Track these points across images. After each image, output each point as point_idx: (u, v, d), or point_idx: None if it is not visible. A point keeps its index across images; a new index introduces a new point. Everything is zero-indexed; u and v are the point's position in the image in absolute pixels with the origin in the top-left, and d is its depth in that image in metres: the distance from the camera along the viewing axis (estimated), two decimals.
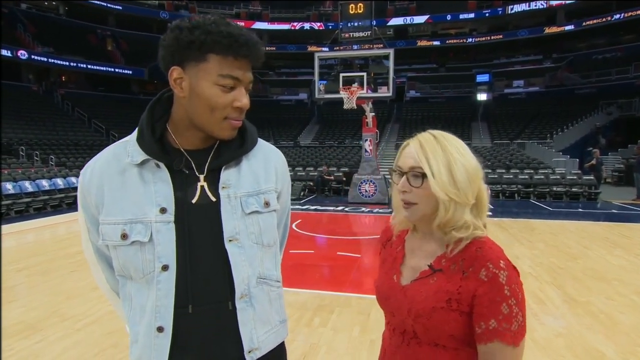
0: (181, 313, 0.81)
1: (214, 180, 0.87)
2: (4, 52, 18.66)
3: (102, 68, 23.10)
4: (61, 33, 22.95)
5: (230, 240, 0.84)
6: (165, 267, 0.80)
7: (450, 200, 0.78)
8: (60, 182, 10.61)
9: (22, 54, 19.48)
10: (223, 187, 0.86)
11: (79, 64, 22.10)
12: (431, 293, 0.79)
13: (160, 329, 0.80)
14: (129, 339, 0.88)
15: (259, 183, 0.90)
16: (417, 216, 0.83)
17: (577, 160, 14.86)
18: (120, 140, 0.89)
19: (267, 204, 0.90)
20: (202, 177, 0.86)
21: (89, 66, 22.51)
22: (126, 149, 0.86)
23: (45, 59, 20.65)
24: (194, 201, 0.84)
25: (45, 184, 10.19)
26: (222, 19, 0.80)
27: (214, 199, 0.85)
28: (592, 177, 11.81)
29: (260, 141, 0.96)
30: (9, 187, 9.22)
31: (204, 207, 0.85)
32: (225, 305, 0.84)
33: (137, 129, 0.87)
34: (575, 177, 12.09)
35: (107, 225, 0.82)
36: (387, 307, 0.89)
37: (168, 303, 0.80)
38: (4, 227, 7.58)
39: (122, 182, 0.84)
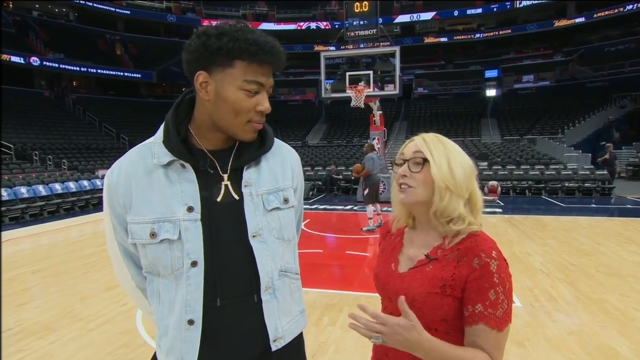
0: (210, 306, 0.85)
1: (236, 179, 0.91)
2: (18, 59, 19.07)
3: (111, 72, 23.50)
4: (71, 39, 23.36)
5: (254, 236, 0.88)
6: (194, 263, 0.84)
7: (446, 189, 0.84)
8: (72, 185, 10.81)
9: (35, 60, 19.89)
10: (245, 186, 0.91)
11: (89, 69, 22.51)
12: (427, 279, 0.85)
13: (190, 322, 0.84)
14: (156, 332, 0.91)
15: (277, 181, 0.95)
16: (412, 200, 0.88)
17: (590, 155, 14.60)
18: (145, 142, 0.92)
19: (286, 200, 0.95)
20: (225, 176, 0.90)
21: (99, 71, 22.91)
22: (151, 150, 0.89)
23: (57, 65, 21.06)
24: (218, 199, 0.88)
25: (58, 187, 10.39)
26: (246, 26, 0.85)
27: (237, 197, 0.90)
28: (605, 172, 11.60)
29: (277, 141, 1.01)
30: (23, 191, 9.42)
31: (228, 205, 0.89)
32: (251, 298, 0.88)
33: (161, 130, 0.90)
34: (587, 172, 11.88)
35: (135, 224, 0.86)
36: (385, 293, 0.94)
37: (198, 297, 0.84)
38: (18, 230, 7.75)
39: (149, 182, 0.87)
